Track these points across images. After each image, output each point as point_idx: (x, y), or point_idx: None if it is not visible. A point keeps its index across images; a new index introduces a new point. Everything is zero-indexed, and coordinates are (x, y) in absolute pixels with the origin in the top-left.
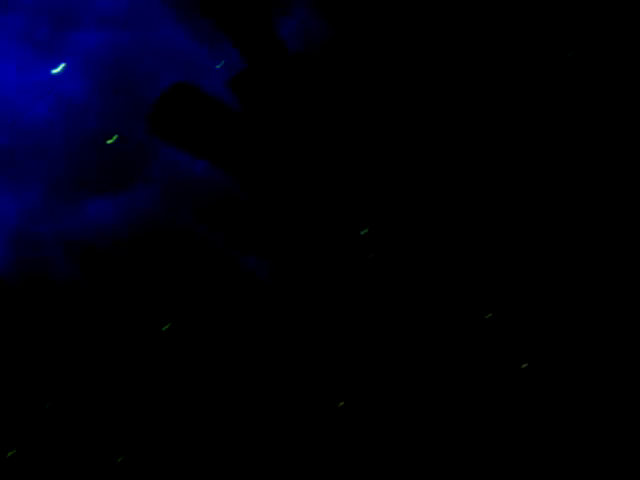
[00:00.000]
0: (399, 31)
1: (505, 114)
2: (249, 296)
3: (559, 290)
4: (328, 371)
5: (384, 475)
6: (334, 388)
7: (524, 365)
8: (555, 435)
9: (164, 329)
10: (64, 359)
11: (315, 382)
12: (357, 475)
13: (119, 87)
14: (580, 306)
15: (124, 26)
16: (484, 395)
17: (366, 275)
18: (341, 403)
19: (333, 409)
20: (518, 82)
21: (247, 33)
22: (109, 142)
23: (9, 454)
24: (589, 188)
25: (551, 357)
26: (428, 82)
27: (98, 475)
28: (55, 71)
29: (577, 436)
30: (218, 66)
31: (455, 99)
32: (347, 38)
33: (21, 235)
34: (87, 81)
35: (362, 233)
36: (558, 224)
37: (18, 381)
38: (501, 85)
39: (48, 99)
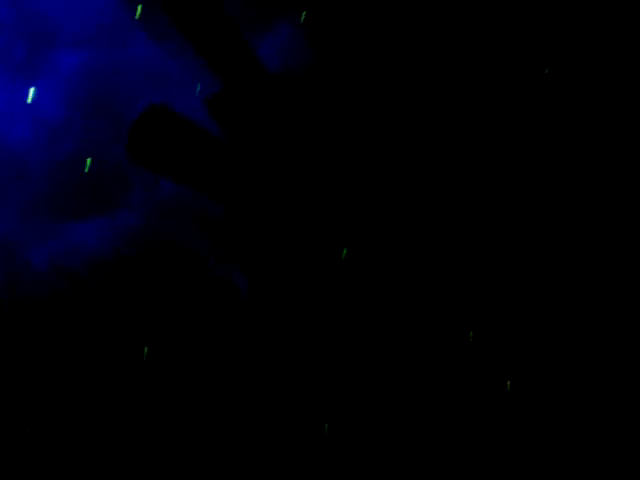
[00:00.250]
0: (383, 49)
1: (490, 139)
2: (233, 316)
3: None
4: (310, 387)
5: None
6: (318, 406)
7: (508, 382)
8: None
9: (145, 353)
10: (48, 380)
11: (298, 399)
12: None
13: (99, 108)
14: (578, 314)
15: (104, 47)
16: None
17: (346, 295)
18: (326, 425)
19: (319, 430)
20: (504, 97)
21: (223, 52)
22: (86, 165)
23: None
24: (584, 196)
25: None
26: (413, 105)
27: None
28: (28, 99)
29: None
30: (197, 89)
31: (442, 123)
32: (330, 57)
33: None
34: (67, 103)
35: (342, 255)
36: (546, 243)
37: None
38: (487, 108)
39: (27, 121)
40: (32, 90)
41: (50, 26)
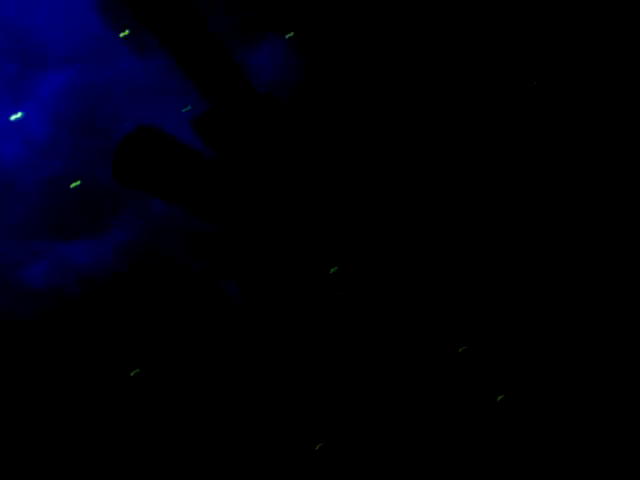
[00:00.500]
0: (372, 68)
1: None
2: (227, 330)
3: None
4: (306, 397)
5: None
6: (314, 413)
7: (500, 397)
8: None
9: (132, 374)
10: (43, 395)
11: (294, 405)
12: None
13: (87, 128)
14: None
15: (92, 66)
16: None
17: (335, 312)
18: (318, 446)
19: (310, 445)
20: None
21: (211, 76)
22: (73, 186)
23: None
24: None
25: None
26: (404, 127)
27: None
28: (14, 117)
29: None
30: (184, 109)
31: (429, 145)
32: (319, 73)
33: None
34: (55, 122)
35: (331, 271)
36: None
37: None
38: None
39: (18, 141)
40: (19, 114)
41: (37, 47)
